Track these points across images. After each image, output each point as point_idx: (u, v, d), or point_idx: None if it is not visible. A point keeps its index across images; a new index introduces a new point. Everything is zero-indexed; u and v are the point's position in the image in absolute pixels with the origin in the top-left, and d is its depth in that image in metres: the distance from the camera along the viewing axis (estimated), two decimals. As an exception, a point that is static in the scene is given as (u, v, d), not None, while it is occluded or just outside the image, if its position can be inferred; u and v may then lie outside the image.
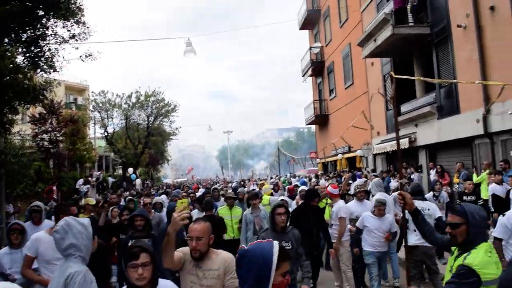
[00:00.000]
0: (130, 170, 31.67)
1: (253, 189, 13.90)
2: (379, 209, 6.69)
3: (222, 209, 8.28)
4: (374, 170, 18.85)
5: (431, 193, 9.40)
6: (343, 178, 14.83)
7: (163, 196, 13.76)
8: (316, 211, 6.96)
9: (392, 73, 4.82)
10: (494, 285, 2.68)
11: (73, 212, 4.53)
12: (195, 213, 8.87)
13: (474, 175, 11.40)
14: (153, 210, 8.34)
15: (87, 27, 11.57)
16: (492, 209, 8.87)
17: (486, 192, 10.51)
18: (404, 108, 16.66)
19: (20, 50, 10.18)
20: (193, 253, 3.34)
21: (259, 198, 8.49)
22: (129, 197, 10.88)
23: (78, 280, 2.80)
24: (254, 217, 7.62)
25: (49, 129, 21.23)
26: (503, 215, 5.02)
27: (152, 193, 18.12)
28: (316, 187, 12.58)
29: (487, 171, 10.75)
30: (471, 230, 2.88)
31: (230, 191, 10.70)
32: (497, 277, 2.70)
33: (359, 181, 10.81)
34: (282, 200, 8.46)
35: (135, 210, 8.27)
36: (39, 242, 4.45)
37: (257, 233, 7.19)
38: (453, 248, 3.17)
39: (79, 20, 11.23)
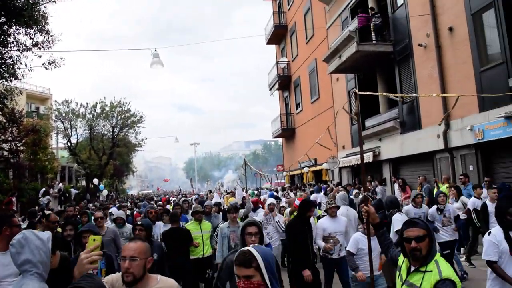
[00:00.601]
0: (96, 180, 30.97)
1: (218, 202, 13.69)
2: None
3: (190, 225, 7.67)
4: (339, 183, 19.13)
5: (435, 206, 7.85)
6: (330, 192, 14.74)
7: (115, 209, 11.49)
8: (309, 223, 6.35)
9: (356, 90, 4.94)
10: None
11: (15, 223, 4.05)
12: (161, 225, 8.73)
13: (435, 189, 11.77)
14: (109, 225, 7.69)
15: (51, 35, 11.35)
16: (479, 225, 8.57)
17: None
18: (368, 122, 17.07)
19: (-21, 57, 9.89)
20: (125, 277, 2.69)
21: (238, 212, 7.50)
22: (84, 210, 9.93)
23: None
24: (230, 232, 6.75)
25: (9, 138, 20.50)
26: (488, 233, 4.33)
27: (125, 204, 17.49)
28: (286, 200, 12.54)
29: (446, 185, 11.13)
30: (432, 242, 2.95)
31: (195, 204, 9.71)
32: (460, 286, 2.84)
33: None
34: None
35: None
36: None
37: (231, 249, 6.37)
38: (400, 262, 3.20)
39: (43, 28, 11.00)
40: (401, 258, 3.19)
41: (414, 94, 13.11)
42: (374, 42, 15.36)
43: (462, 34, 11.59)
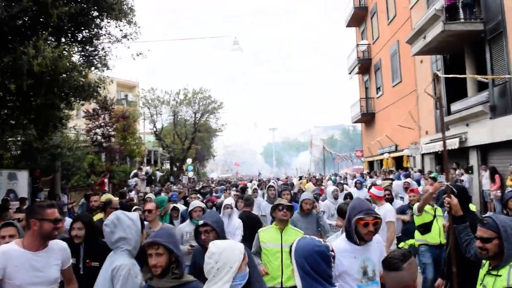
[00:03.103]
0: (189, 160, 32.80)
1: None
2: None
3: (267, 231, 4.74)
4: (421, 171, 18.37)
5: None
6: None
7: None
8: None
9: (437, 72, 4.72)
10: None
11: (47, 217, 3.11)
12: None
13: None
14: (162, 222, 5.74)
15: (138, 27, 11.99)
16: None
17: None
18: (454, 107, 16.12)
19: (76, 49, 10.71)
20: None
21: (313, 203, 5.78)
22: (172, 205, 7.92)
23: (123, 274, 2.91)
24: None
25: (102, 124, 22.11)
26: None
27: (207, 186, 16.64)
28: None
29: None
30: (504, 245, 2.72)
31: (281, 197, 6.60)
32: None
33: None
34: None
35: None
36: (8, 258, 2.99)
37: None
38: (484, 261, 3.02)
39: (131, 20, 11.63)
40: None
41: (507, 76, 12.13)
42: (462, 20, 14.38)
43: None
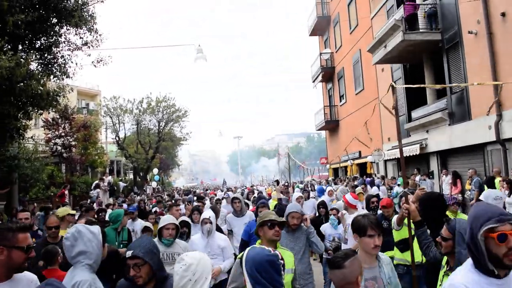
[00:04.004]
0: (155, 170, 32.89)
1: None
2: None
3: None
4: (384, 177, 18.76)
5: None
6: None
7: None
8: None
9: (393, 83, 4.80)
10: None
11: (17, 243, 2.53)
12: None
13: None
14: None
15: (99, 35, 11.77)
16: None
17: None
18: (415, 114, 16.59)
19: (34, 57, 10.38)
20: None
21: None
22: (144, 225, 6.46)
23: None
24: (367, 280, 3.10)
25: (62, 134, 21.47)
26: None
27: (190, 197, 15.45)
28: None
29: (499, 179, 10.63)
30: (456, 249, 2.86)
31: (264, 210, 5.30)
32: None
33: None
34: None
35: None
36: None
37: None
38: (443, 263, 3.17)
39: (92, 27, 11.43)
40: (444, 258, 3.19)
41: (462, 84, 12.59)
42: (421, 30, 14.87)
43: (516, 19, 10.98)
